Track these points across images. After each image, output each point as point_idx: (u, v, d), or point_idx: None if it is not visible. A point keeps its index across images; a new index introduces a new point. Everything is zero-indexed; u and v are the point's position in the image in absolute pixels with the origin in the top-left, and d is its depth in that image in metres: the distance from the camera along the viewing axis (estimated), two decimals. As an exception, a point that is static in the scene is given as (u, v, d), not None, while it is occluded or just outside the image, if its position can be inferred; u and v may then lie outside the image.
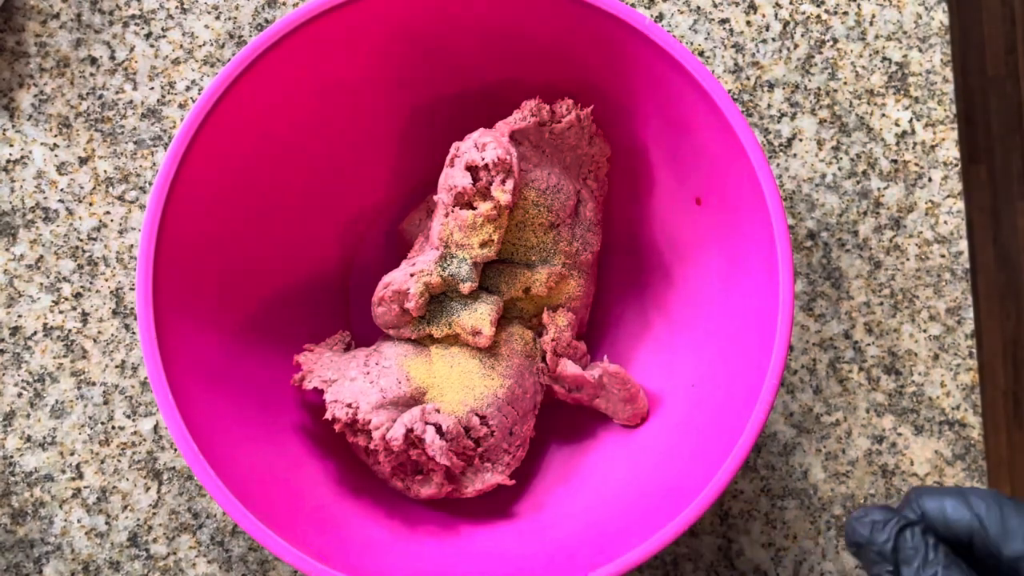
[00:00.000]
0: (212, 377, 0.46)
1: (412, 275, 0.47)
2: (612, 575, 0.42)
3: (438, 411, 0.46)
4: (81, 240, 0.54)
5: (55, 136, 0.54)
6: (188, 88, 0.55)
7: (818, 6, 0.55)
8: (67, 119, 0.54)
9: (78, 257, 0.54)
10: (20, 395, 0.53)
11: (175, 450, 0.53)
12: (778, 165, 0.55)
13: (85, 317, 0.53)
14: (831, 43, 0.55)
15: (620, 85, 0.47)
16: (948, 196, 0.55)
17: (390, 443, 0.45)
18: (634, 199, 0.51)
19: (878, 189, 0.55)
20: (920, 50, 0.55)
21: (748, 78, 0.55)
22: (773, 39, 0.55)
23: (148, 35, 0.55)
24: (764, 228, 0.42)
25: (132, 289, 0.54)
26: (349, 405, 0.46)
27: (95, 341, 0.53)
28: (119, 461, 0.53)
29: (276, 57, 0.44)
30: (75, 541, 0.52)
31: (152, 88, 0.55)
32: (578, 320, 0.51)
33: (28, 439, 0.53)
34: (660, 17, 0.55)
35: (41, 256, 0.54)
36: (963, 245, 0.55)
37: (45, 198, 0.54)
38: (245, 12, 0.55)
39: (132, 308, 0.54)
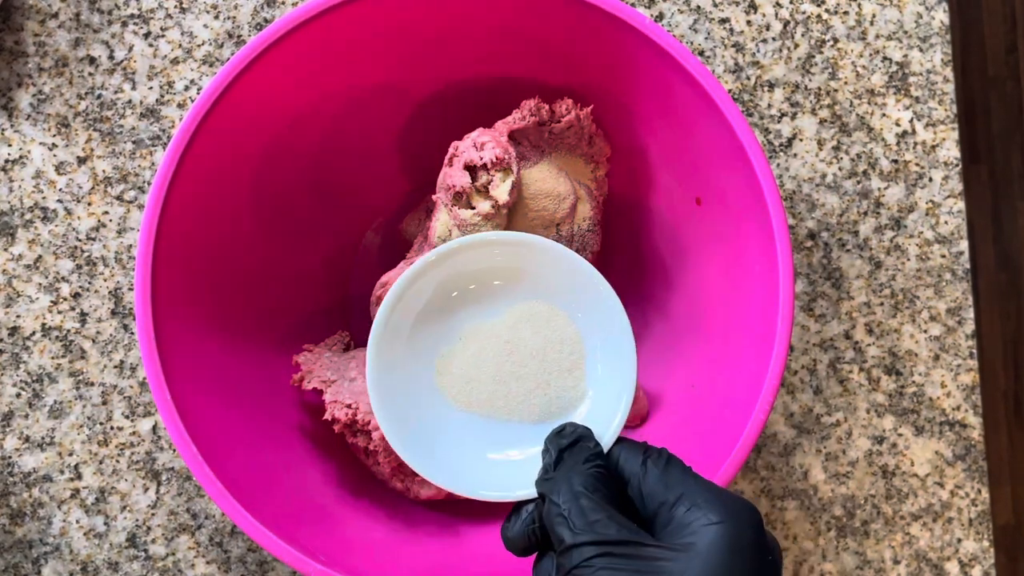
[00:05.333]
0: (211, 377, 0.46)
1: (411, 275, 0.47)
2: None
3: (437, 411, 0.46)
4: (80, 240, 0.54)
5: (54, 136, 0.54)
6: (187, 88, 0.55)
7: (818, 6, 0.55)
8: (66, 119, 0.54)
9: (77, 257, 0.54)
10: (19, 395, 0.53)
11: (174, 450, 0.53)
12: (778, 165, 0.55)
13: (84, 317, 0.53)
14: (831, 43, 0.55)
15: (620, 85, 0.47)
16: (948, 196, 0.55)
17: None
18: (634, 199, 0.51)
19: (878, 189, 0.55)
20: (920, 50, 0.55)
21: (748, 78, 0.55)
22: (773, 39, 0.55)
23: (147, 35, 0.55)
24: (764, 228, 0.42)
25: (131, 289, 0.54)
26: (349, 406, 0.46)
27: (94, 341, 0.53)
28: (118, 461, 0.53)
29: (275, 57, 0.44)
30: (74, 542, 0.52)
31: (151, 88, 0.54)
32: (578, 320, 0.50)
33: (27, 439, 0.53)
34: (660, 17, 0.55)
35: (40, 256, 0.54)
36: (963, 245, 0.55)
37: (44, 198, 0.54)
38: (244, 12, 0.55)
39: (131, 308, 0.53)
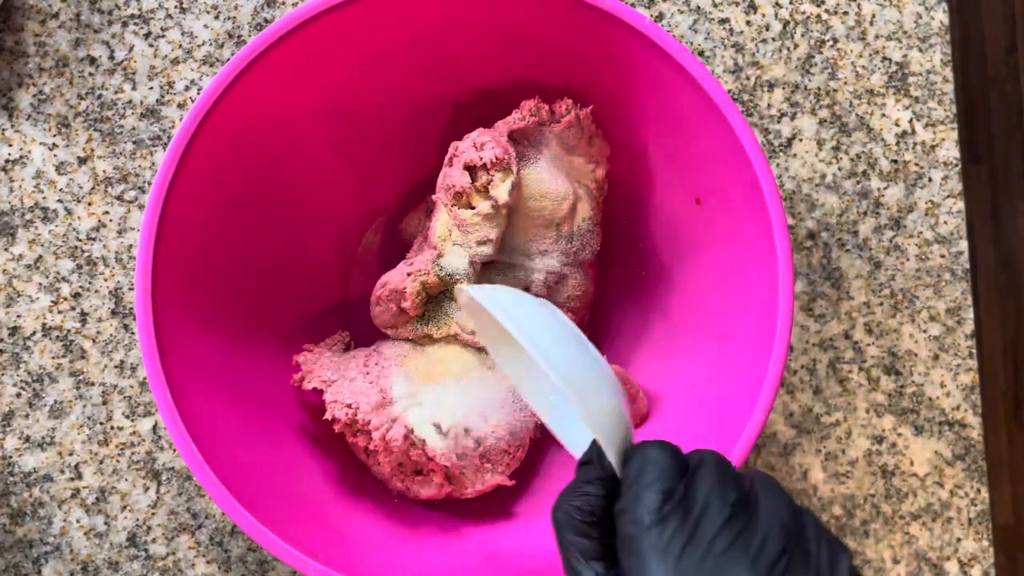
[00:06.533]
0: (211, 377, 0.46)
1: (409, 274, 0.47)
2: None
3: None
4: (80, 240, 0.54)
5: (54, 136, 0.54)
6: (187, 88, 0.55)
7: (818, 6, 0.55)
8: (66, 119, 0.54)
9: (77, 257, 0.54)
10: (19, 395, 0.53)
11: (174, 450, 0.53)
12: (778, 165, 0.55)
13: (84, 317, 0.53)
14: (831, 43, 0.55)
15: (620, 85, 0.47)
16: (948, 196, 0.55)
17: (390, 443, 0.45)
18: (634, 199, 0.51)
19: (878, 189, 0.55)
20: (920, 50, 0.55)
21: (748, 78, 0.55)
22: (773, 39, 0.55)
23: (147, 35, 0.55)
24: (764, 228, 0.42)
25: (131, 289, 0.54)
26: (349, 405, 0.46)
27: (94, 341, 0.53)
28: (118, 461, 0.53)
29: (275, 57, 0.44)
30: (74, 541, 0.52)
31: (151, 88, 0.54)
32: (578, 320, 0.51)
33: (27, 439, 0.53)
34: (660, 17, 0.55)
35: (40, 256, 0.54)
36: (963, 245, 0.55)
37: (44, 198, 0.54)
38: (244, 12, 0.55)
39: (131, 308, 0.53)
